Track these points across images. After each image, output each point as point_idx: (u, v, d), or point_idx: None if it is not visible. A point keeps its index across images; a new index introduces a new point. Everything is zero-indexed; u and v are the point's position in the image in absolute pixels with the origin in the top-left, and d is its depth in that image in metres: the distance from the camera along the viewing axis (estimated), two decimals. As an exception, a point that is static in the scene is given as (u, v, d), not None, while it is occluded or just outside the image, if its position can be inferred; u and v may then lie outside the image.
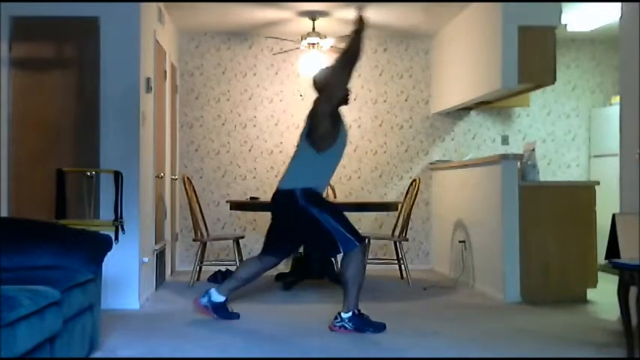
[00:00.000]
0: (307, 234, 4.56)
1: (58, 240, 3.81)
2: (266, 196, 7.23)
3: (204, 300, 4.74)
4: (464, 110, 7.77)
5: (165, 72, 6.66)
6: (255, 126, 7.75)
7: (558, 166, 8.06)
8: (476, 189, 6.33)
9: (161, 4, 6.37)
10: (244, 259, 6.45)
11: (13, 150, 5.16)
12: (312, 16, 6.90)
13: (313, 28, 7.02)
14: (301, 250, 6.18)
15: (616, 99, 7.06)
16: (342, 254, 4.49)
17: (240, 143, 7.73)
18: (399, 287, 6.37)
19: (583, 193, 5.76)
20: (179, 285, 6.38)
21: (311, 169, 4.54)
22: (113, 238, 4.58)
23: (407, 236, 6.65)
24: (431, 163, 7.77)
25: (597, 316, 5.10)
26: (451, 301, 5.70)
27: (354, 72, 4.57)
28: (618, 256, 4.07)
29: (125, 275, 5.14)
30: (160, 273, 6.33)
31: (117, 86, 5.24)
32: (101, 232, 4.09)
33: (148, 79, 5.59)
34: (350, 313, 4.41)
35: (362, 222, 7.47)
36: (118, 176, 5.12)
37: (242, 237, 6.73)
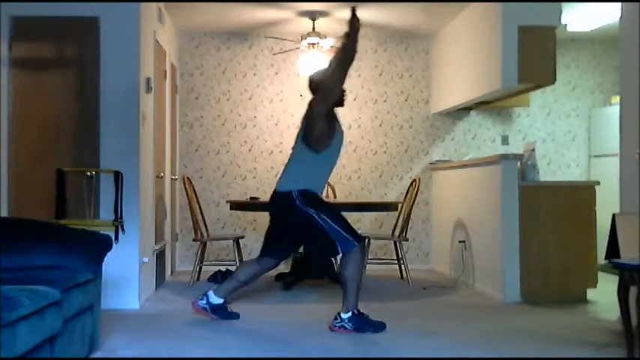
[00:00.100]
0: (305, 235, 4.56)
1: (58, 240, 3.81)
2: (266, 196, 7.20)
3: (203, 302, 4.74)
4: (464, 110, 7.77)
5: (165, 72, 6.66)
6: (255, 126, 7.75)
7: (558, 166, 8.06)
8: (476, 189, 6.33)
9: (161, 4, 6.37)
10: (244, 259, 6.46)
11: (13, 150, 5.15)
12: (312, 16, 6.91)
13: (313, 28, 7.02)
14: (301, 250, 6.18)
15: (616, 99, 7.06)
16: (340, 254, 4.49)
17: (240, 143, 7.73)
18: (399, 287, 6.37)
19: (583, 193, 5.76)
20: (179, 285, 6.38)
21: (308, 170, 4.55)
22: (113, 238, 4.59)
23: (407, 236, 6.65)
24: (431, 163, 7.77)
25: (597, 316, 5.10)
26: (451, 301, 5.70)
27: (349, 72, 4.57)
28: (618, 256, 4.07)
29: (125, 275, 5.14)
30: (160, 273, 6.33)
31: (117, 86, 5.24)
32: (101, 232, 4.09)
33: (148, 79, 5.59)
34: (349, 313, 4.41)
35: (362, 222, 7.47)
36: (118, 176, 5.13)
37: (242, 237, 6.73)
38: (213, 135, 7.70)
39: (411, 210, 6.54)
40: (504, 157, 5.71)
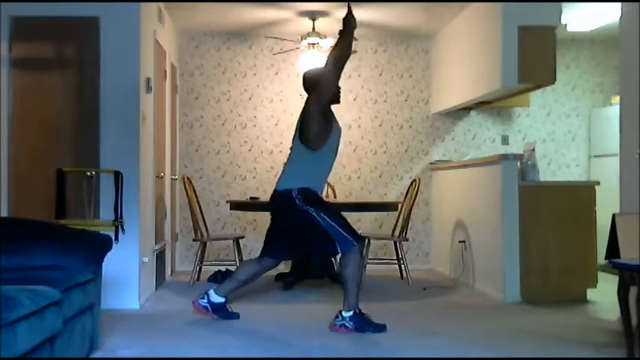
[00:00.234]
0: (305, 234, 4.55)
1: (58, 240, 3.81)
2: (266, 196, 7.21)
3: (203, 301, 4.74)
4: (464, 110, 7.77)
5: (165, 72, 6.66)
6: (255, 126, 7.75)
7: (558, 166, 8.06)
8: (476, 189, 6.33)
9: (161, 4, 6.37)
10: (244, 259, 6.46)
11: (13, 150, 5.15)
12: (312, 16, 6.91)
13: (313, 28, 7.02)
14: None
15: (616, 99, 7.06)
16: (340, 254, 4.49)
17: (240, 143, 7.73)
18: (399, 287, 6.37)
19: (583, 193, 5.76)
20: (179, 285, 6.38)
21: (306, 168, 4.55)
22: (113, 238, 4.59)
23: (407, 236, 6.65)
24: (431, 163, 7.77)
25: (597, 316, 5.10)
26: (451, 301, 5.70)
27: (348, 71, 4.57)
28: (618, 256, 4.07)
29: (125, 275, 5.14)
30: (160, 273, 6.33)
31: (117, 86, 5.24)
32: (101, 232, 4.09)
33: (148, 79, 5.59)
34: (351, 312, 4.41)
35: (362, 222, 7.47)
36: (118, 176, 5.13)
37: (242, 237, 6.73)
38: (213, 135, 7.70)
39: (411, 210, 6.54)
40: (504, 157, 5.71)
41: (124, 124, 5.23)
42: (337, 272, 5.93)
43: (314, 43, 7.01)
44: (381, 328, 4.40)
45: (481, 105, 7.35)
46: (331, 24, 7.06)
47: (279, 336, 4.37)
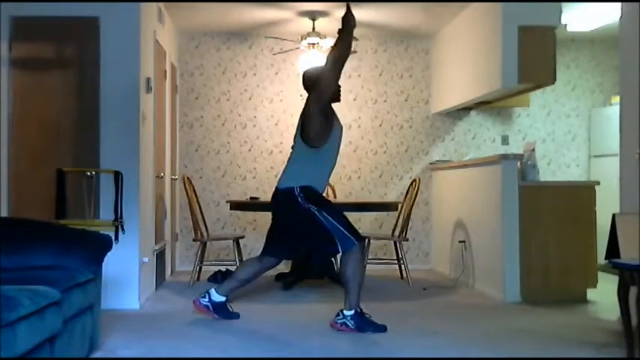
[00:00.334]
0: (306, 232, 4.55)
1: (58, 240, 3.81)
2: (266, 196, 7.23)
3: (204, 300, 4.74)
4: (464, 110, 7.77)
5: (165, 72, 6.66)
6: (255, 126, 7.75)
7: (558, 166, 8.06)
8: (476, 189, 6.33)
9: (161, 4, 6.37)
10: (244, 259, 6.46)
11: (13, 150, 5.15)
12: (312, 16, 6.91)
13: (313, 28, 7.02)
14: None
15: (616, 99, 7.06)
16: (340, 253, 4.49)
17: (240, 143, 7.73)
18: (399, 287, 6.37)
19: (583, 193, 5.76)
20: (179, 285, 6.38)
21: (308, 167, 4.56)
22: (113, 238, 4.59)
23: (407, 236, 6.65)
24: (431, 163, 7.77)
25: (597, 316, 5.10)
26: (451, 301, 5.70)
27: (348, 71, 4.58)
28: (618, 256, 4.07)
29: (125, 275, 5.14)
30: (160, 273, 6.33)
31: (117, 86, 5.24)
32: (101, 232, 4.09)
33: (148, 79, 5.59)
34: (352, 311, 4.42)
35: (362, 222, 7.47)
36: (118, 176, 5.13)
37: (242, 237, 6.73)
38: (213, 135, 7.70)
39: (411, 210, 6.54)
40: (504, 157, 5.71)
41: (124, 124, 5.23)
42: (337, 272, 5.93)
43: (314, 43, 7.01)
44: (381, 328, 4.40)
45: (481, 105, 7.35)
46: (331, 24, 7.05)
47: (279, 336, 4.37)
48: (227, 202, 6.65)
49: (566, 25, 6.95)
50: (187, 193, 6.47)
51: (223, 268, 6.69)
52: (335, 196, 7.20)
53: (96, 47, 5.23)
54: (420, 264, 7.78)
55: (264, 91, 7.76)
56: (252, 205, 6.33)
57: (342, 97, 4.72)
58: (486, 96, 6.52)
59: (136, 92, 5.26)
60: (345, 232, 4.44)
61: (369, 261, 6.56)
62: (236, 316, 4.80)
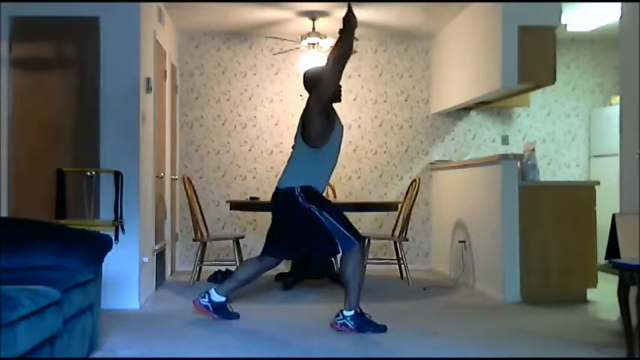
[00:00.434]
0: (307, 232, 4.55)
1: (58, 240, 3.81)
2: (266, 196, 7.23)
3: (204, 300, 4.74)
4: (464, 110, 7.77)
5: (165, 72, 6.66)
6: (255, 126, 7.75)
7: (558, 166, 8.06)
8: (476, 189, 6.33)
9: (161, 4, 6.37)
10: (244, 259, 6.46)
11: (13, 150, 5.15)
12: (312, 16, 6.91)
13: (313, 28, 7.02)
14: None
15: (616, 99, 7.06)
16: (340, 253, 4.49)
17: (240, 143, 7.73)
18: (399, 287, 6.37)
19: (583, 193, 5.76)
20: (179, 285, 6.38)
21: (308, 167, 4.55)
22: (113, 238, 4.59)
23: (407, 236, 6.65)
24: (431, 163, 7.77)
25: (597, 316, 5.10)
26: (451, 301, 5.70)
27: (348, 71, 4.57)
28: (618, 256, 4.07)
29: (125, 275, 5.14)
30: (160, 273, 6.33)
31: (117, 86, 5.24)
32: (101, 232, 4.09)
33: (148, 79, 5.59)
34: (352, 312, 4.41)
35: (362, 222, 7.47)
36: (118, 176, 5.13)
37: (242, 237, 6.73)
38: (213, 135, 7.70)
39: (411, 210, 6.54)
40: (504, 157, 5.71)
41: (124, 124, 5.23)
42: (337, 272, 5.93)
43: (314, 43, 7.01)
44: (381, 328, 4.40)
45: (481, 105, 7.35)
46: (331, 24, 7.06)
47: (279, 336, 4.37)
48: (227, 202, 6.64)
49: (566, 25, 6.96)
50: (187, 193, 6.47)
51: (223, 268, 6.69)
52: (335, 196, 7.20)
53: (96, 47, 5.23)
54: (420, 264, 7.78)
55: (264, 91, 7.76)
56: (252, 205, 6.33)
57: (342, 97, 4.72)
58: (486, 96, 6.52)
59: (136, 92, 5.26)
60: (345, 232, 4.44)
61: (369, 261, 6.55)
62: (236, 316, 4.80)
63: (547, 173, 7.87)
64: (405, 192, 6.88)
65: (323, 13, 6.84)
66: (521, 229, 5.61)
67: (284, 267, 6.76)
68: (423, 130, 7.90)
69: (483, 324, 4.71)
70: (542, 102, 8.04)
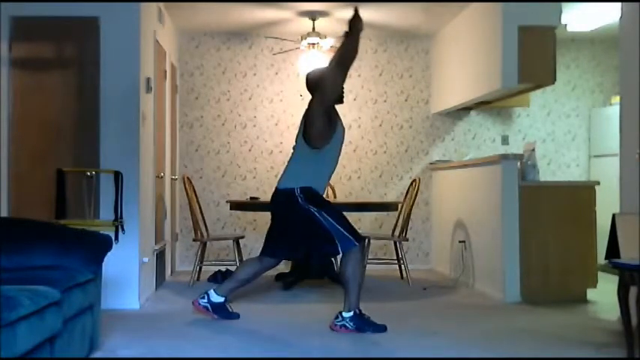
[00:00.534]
0: (306, 233, 4.54)
1: (58, 240, 3.81)
2: (266, 196, 7.22)
3: (204, 301, 4.74)
4: (464, 110, 7.77)
5: (165, 72, 6.66)
6: (255, 126, 7.75)
7: (558, 166, 8.06)
8: (476, 189, 6.33)
9: (161, 4, 6.37)
10: (244, 259, 6.46)
11: (13, 150, 5.15)
12: (312, 16, 6.91)
13: (313, 28, 7.02)
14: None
15: (616, 99, 7.06)
16: (340, 254, 4.49)
17: (240, 143, 7.73)
18: (399, 287, 6.37)
19: (583, 193, 5.76)
20: (179, 285, 6.38)
21: (309, 168, 4.55)
22: (113, 238, 4.59)
23: (407, 236, 6.65)
24: (431, 163, 7.77)
25: (597, 316, 5.10)
26: (451, 301, 5.70)
27: (349, 71, 4.57)
28: (618, 256, 4.07)
29: (125, 275, 5.14)
30: (160, 273, 6.33)
31: (117, 86, 5.24)
32: (101, 232, 4.09)
33: (148, 79, 5.59)
34: (351, 313, 4.41)
35: (362, 222, 7.47)
36: (118, 176, 5.13)
37: (242, 237, 6.73)
38: (213, 135, 7.70)
39: (411, 210, 6.54)
40: (504, 157, 5.71)
41: (124, 124, 5.23)
42: (337, 272, 5.93)
43: (314, 43, 7.02)
44: (381, 328, 4.40)
45: (481, 105, 7.35)
46: (331, 24, 7.06)
47: (279, 336, 4.37)
48: (227, 202, 6.64)
49: (566, 25, 6.96)
50: (187, 193, 6.47)
51: (223, 268, 6.69)
52: (335, 196, 7.20)
53: (96, 47, 5.23)
54: (420, 264, 7.78)
55: (264, 91, 7.76)
56: (252, 205, 6.33)
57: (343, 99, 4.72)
58: (486, 96, 6.52)
59: (136, 92, 5.26)
60: (345, 232, 4.43)
61: (369, 261, 6.56)
62: (236, 316, 4.80)
63: (547, 173, 7.87)
64: (405, 192, 6.88)
65: (323, 13, 6.84)
66: (521, 229, 5.61)
67: (284, 267, 6.76)
68: (423, 130, 7.90)
69: (483, 324, 4.71)
70: (542, 102, 8.04)
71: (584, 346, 4.06)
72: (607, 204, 5.50)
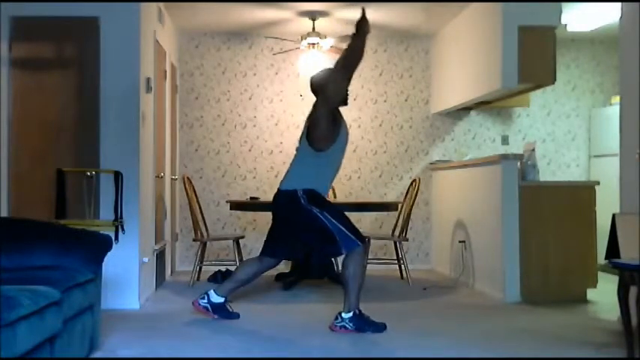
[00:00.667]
0: (308, 234, 4.55)
1: (58, 240, 3.81)
2: (266, 196, 7.25)
3: (204, 301, 4.74)
4: (464, 110, 7.77)
5: (165, 72, 6.66)
6: (255, 126, 7.75)
7: (558, 166, 8.06)
8: (476, 189, 6.33)
9: (161, 4, 6.37)
10: (244, 259, 6.46)
11: (13, 150, 5.15)
12: (312, 16, 6.91)
13: (313, 28, 7.02)
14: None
15: (616, 99, 7.06)
16: (343, 254, 4.49)
17: (240, 143, 7.73)
18: (399, 287, 6.37)
19: (583, 193, 5.76)
20: (179, 285, 6.38)
21: (312, 170, 4.54)
22: (113, 238, 4.59)
23: (407, 236, 6.65)
24: (431, 163, 7.77)
25: (597, 316, 5.10)
26: (451, 301, 5.70)
27: (354, 74, 4.57)
28: (618, 256, 4.07)
29: (125, 275, 5.14)
30: (160, 273, 6.33)
31: (117, 86, 5.24)
32: (101, 232, 4.10)
33: (148, 79, 5.59)
34: (351, 314, 4.41)
35: (362, 222, 7.46)
36: (118, 176, 5.13)
37: (242, 237, 6.73)
38: (213, 135, 7.70)
39: (411, 210, 6.54)
40: (504, 157, 5.71)
41: (124, 124, 5.23)
42: (337, 272, 5.93)
43: (314, 43, 7.01)
44: (380, 328, 4.40)
45: (481, 105, 7.35)
46: (331, 24, 7.06)
47: (279, 336, 4.37)
48: (227, 202, 6.64)
49: (566, 25, 6.96)
50: (187, 193, 6.47)
51: (223, 268, 6.69)
52: (335, 196, 7.20)
53: (96, 47, 5.23)
54: (420, 264, 7.78)
55: (264, 91, 7.76)
56: (252, 205, 6.33)
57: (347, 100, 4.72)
58: (486, 96, 6.52)
59: (136, 92, 5.26)
60: (348, 233, 4.43)
61: (369, 261, 6.55)
62: (236, 316, 4.80)
63: (547, 173, 7.87)
64: (405, 192, 6.88)
65: (323, 13, 6.84)
66: (521, 229, 5.61)
67: (284, 267, 6.76)
68: (423, 130, 7.90)
69: (483, 324, 4.71)
70: (542, 102, 8.04)
71: (584, 346, 4.06)
72: (607, 204, 5.50)
